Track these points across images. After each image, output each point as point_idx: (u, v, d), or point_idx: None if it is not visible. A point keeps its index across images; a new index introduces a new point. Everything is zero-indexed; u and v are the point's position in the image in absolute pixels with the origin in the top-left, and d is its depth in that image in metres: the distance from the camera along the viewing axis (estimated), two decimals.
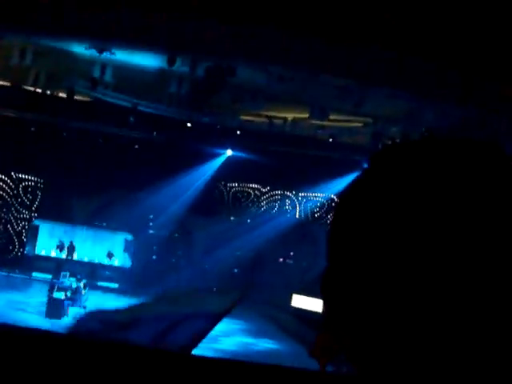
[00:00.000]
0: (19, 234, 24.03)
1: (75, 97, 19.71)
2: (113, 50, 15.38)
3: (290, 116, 20.19)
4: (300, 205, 25.93)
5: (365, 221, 0.78)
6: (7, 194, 23.77)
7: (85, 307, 17.67)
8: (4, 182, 23.67)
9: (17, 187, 23.91)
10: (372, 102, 16.42)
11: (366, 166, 0.87)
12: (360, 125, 19.89)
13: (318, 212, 25.85)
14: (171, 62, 15.41)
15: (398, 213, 0.75)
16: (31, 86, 19.28)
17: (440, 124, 16.37)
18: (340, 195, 0.87)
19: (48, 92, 19.92)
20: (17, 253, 23.86)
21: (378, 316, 0.75)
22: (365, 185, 0.82)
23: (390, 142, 19.85)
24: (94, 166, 22.16)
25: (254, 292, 22.61)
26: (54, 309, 16.54)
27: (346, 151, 21.53)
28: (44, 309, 16.71)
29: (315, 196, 25.65)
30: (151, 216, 25.14)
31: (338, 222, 0.83)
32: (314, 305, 19.34)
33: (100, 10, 11.93)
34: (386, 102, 16.45)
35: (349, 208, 0.81)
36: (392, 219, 0.75)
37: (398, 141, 19.13)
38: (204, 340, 15.56)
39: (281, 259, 25.53)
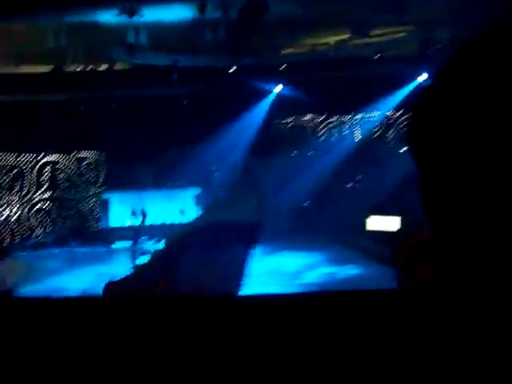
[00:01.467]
0: (92, 211, 24.68)
1: (116, 67, 19.81)
2: (142, 13, 15.29)
3: (331, 40, 19.72)
4: (358, 127, 25.58)
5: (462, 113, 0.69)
6: (72, 174, 24.35)
7: None
8: (66, 163, 24.22)
9: (79, 166, 24.44)
10: (414, 8, 15.82)
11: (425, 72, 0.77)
12: (405, 34, 19.24)
13: (377, 132, 25.46)
14: (202, 9, 15.22)
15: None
16: (71, 65, 19.46)
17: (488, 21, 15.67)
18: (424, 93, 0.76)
19: (89, 68, 20.07)
20: (94, 228, 24.55)
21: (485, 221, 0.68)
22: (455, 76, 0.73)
23: (439, 47, 19.20)
24: (149, 130, 22.34)
25: (329, 221, 22.64)
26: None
27: (395, 65, 20.92)
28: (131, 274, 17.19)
29: (372, 116, 25.23)
30: (214, 167, 25.30)
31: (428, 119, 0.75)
32: (390, 224, 19.25)
33: None
34: (428, 5, 15.84)
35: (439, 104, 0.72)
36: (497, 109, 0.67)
37: (447, 44, 18.48)
38: (285, 277, 15.77)
39: (349, 185, 25.38)
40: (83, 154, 24.44)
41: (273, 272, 16.00)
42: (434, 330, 0.74)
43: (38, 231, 23.57)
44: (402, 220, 19.13)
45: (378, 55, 20.71)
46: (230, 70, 20.98)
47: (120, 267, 18.65)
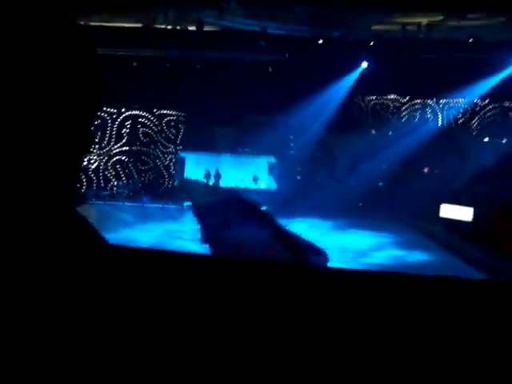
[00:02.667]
0: (168, 168, 25.14)
1: (205, 28, 19.94)
2: None
3: (423, 20, 19.24)
4: (442, 112, 24.98)
5: None
6: (152, 130, 24.79)
7: None
8: (148, 119, 24.68)
9: (160, 123, 24.87)
10: None
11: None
12: (502, 19, 18.55)
13: (461, 118, 24.81)
14: None
15: None
16: (162, 24, 19.70)
17: None
18: None
19: (178, 27, 20.27)
20: (167, 185, 25.04)
21: None
22: None
23: None
24: (230, 94, 22.46)
25: (402, 204, 22.35)
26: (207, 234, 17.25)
27: (488, 50, 20.24)
28: (199, 235, 17.47)
29: (457, 102, 24.57)
30: (291, 137, 25.27)
31: None
32: (463, 214, 18.86)
33: None
34: None
35: None
36: None
37: None
38: (352, 254, 15.72)
39: (426, 169, 24.92)
40: (165, 111, 24.82)
41: (340, 248, 15.98)
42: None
43: (114, 182, 24.20)
44: (475, 211, 18.74)
45: (471, 39, 20.09)
46: (318, 42, 20.81)
47: (188, 225, 19.02)
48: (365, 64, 23.12)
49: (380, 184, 24.84)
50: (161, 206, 22.99)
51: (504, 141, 23.57)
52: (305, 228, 16.97)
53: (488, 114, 24.55)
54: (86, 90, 0.90)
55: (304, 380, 2.59)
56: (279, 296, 2.69)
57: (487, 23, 18.83)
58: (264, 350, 2.64)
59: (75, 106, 0.87)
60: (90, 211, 20.48)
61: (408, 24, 19.51)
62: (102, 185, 24.00)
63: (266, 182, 25.26)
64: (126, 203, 22.98)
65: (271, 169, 25.70)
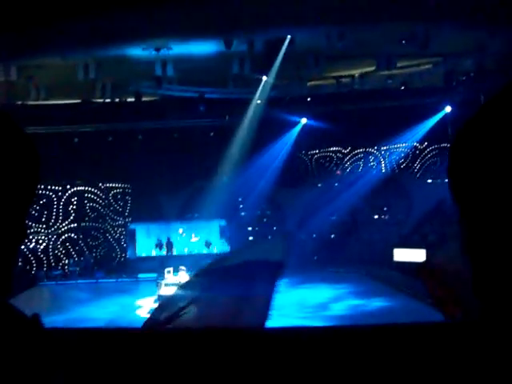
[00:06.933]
0: (119, 241, 24.84)
1: (143, 99, 20.09)
2: (169, 46, 15.53)
3: (356, 72, 19.81)
4: (384, 159, 25.54)
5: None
6: (99, 204, 24.54)
7: None
8: (94, 193, 24.44)
9: (107, 196, 24.66)
10: (439, 40, 15.83)
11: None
12: (430, 66, 19.27)
13: (403, 163, 25.39)
14: (228, 44, 15.41)
15: None
16: (100, 98, 19.77)
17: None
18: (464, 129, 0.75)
19: (117, 100, 20.37)
20: (120, 258, 24.69)
21: None
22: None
23: (464, 79, 19.15)
24: (174, 162, 22.53)
25: (356, 254, 22.50)
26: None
27: (421, 96, 20.92)
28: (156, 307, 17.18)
29: (398, 147, 25.18)
30: (240, 198, 25.37)
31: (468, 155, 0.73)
32: (416, 256, 19.07)
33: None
34: (453, 37, 15.84)
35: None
36: None
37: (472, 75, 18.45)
38: (311, 309, 15.61)
39: (376, 216, 25.25)
40: (111, 184, 24.67)
41: (298, 304, 15.88)
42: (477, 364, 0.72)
43: (65, 261, 23.71)
44: (428, 252, 18.96)
45: (403, 87, 20.73)
46: (257, 102, 21.16)
47: (144, 298, 18.69)
48: (304, 120, 23.57)
49: (332, 236, 25.01)
50: (114, 280, 22.57)
51: (446, 180, 24.12)
52: None
53: (428, 155, 25.19)
54: (19, 180, 0.89)
55: None
56: (238, 363, 2.62)
57: (416, 70, 19.51)
58: None
59: (8, 196, 0.86)
60: (42, 293, 19.98)
61: (342, 77, 20.06)
62: (53, 264, 23.47)
63: (219, 246, 25.14)
64: (79, 281, 22.48)
65: (222, 232, 25.66)
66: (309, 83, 20.60)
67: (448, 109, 22.06)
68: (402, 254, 20.31)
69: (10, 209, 0.86)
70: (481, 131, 0.72)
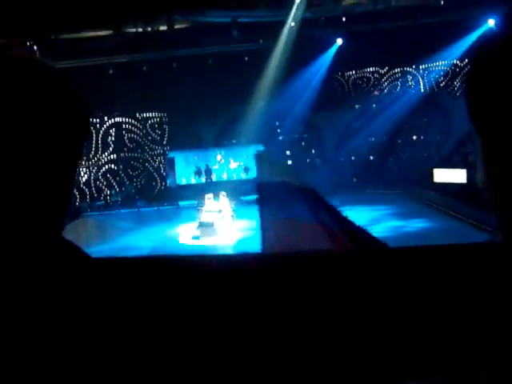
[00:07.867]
0: (158, 170, 25.08)
1: (176, 26, 19.86)
2: None
3: None
4: (423, 78, 24.95)
5: None
6: (137, 135, 24.71)
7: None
8: (132, 124, 24.58)
9: (144, 126, 24.78)
10: None
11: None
12: None
13: (443, 81, 24.78)
14: None
15: None
16: (132, 28, 19.61)
17: None
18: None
19: (149, 29, 20.18)
20: (160, 187, 24.99)
21: None
22: None
23: None
24: (209, 89, 22.39)
25: (395, 175, 22.37)
26: (206, 231, 17.22)
27: (462, 10, 20.18)
28: (197, 233, 17.43)
29: (437, 65, 24.54)
30: (277, 122, 25.26)
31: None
32: (457, 176, 18.88)
33: None
34: None
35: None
36: None
37: None
38: None
39: (414, 137, 24.94)
40: (147, 114, 24.73)
41: None
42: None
43: (107, 191, 24.14)
44: (468, 172, 18.76)
45: (442, 1, 20.01)
46: (291, 24, 20.76)
47: (186, 224, 18.99)
48: (340, 41, 23.07)
49: (371, 157, 24.86)
50: (156, 208, 22.95)
51: None
52: None
53: None
54: (71, 132, 0.99)
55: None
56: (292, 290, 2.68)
57: None
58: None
59: (62, 143, 0.96)
60: (86, 224, 20.43)
61: None
62: (96, 196, 23.92)
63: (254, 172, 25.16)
64: (122, 210, 22.93)
65: (260, 157, 25.65)
66: (343, 2, 20.07)
67: (491, 22, 21.27)
68: (442, 175, 20.12)
69: (63, 163, 0.97)
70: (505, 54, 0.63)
